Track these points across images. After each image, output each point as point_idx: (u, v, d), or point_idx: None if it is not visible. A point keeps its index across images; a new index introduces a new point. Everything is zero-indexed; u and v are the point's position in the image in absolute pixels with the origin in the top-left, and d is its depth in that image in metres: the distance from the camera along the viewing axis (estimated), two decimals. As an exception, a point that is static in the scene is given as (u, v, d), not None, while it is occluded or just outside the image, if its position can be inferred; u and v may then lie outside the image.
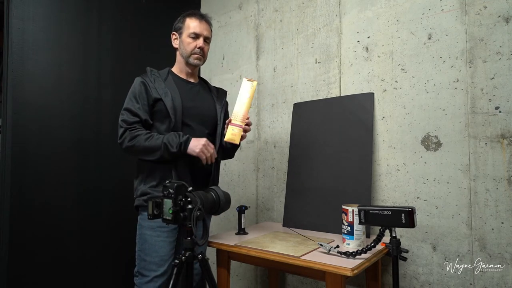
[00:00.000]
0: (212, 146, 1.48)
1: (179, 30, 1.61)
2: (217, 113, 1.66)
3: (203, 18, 1.62)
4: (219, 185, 1.66)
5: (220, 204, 1.35)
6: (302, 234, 1.70)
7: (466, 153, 1.53)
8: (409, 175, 1.67)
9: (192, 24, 1.58)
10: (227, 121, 1.53)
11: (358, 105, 1.80)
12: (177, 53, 1.64)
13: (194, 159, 1.48)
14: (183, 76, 1.63)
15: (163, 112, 1.49)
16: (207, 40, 1.62)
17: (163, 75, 1.58)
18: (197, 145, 1.43)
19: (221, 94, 1.74)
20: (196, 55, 1.58)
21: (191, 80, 1.65)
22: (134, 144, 1.43)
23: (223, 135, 1.58)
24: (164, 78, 1.57)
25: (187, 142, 1.43)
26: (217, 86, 1.80)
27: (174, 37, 1.64)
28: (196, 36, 1.58)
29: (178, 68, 1.64)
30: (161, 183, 1.44)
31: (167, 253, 1.48)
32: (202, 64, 1.66)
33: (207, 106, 1.64)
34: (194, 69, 1.64)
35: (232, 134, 1.49)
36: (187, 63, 1.60)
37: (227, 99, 1.77)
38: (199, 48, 1.57)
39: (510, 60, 1.44)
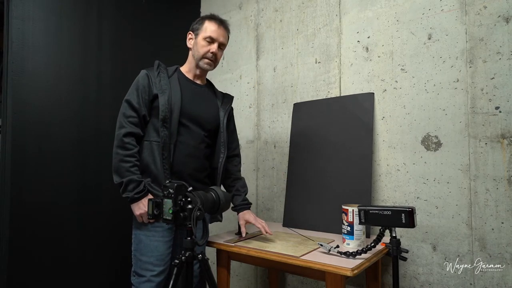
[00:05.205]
0: (146, 219, 1.44)
1: (196, 31, 1.59)
2: (219, 119, 1.64)
3: (222, 24, 1.59)
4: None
5: (220, 204, 1.34)
6: (302, 234, 1.70)
7: (466, 153, 1.53)
8: (409, 175, 1.67)
9: (210, 28, 1.55)
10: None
11: (358, 105, 1.80)
12: (190, 53, 1.62)
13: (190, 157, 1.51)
14: (190, 76, 1.62)
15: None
16: (221, 46, 1.60)
17: (170, 72, 1.58)
18: (136, 209, 1.43)
19: (226, 100, 1.72)
20: (207, 60, 1.56)
21: (198, 82, 1.64)
22: (116, 152, 1.44)
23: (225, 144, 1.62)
24: (170, 74, 1.56)
25: (132, 200, 1.43)
26: (224, 92, 1.78)
27: (189, 36, 1.61)
28: (211, 40, 1.55)
29: (187, 68, 1.63)
30: (157, 180, 1.46)
31: (163, 252, 1.47)
32: (212, 69, 1.64)
33: (208, 110, 1.62)
34: (203, 72, 1.63)
35: None
36: (197, 66, 1.59)
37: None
38: (212, 53, 1.55)
39: (510, 60, 1.44)
